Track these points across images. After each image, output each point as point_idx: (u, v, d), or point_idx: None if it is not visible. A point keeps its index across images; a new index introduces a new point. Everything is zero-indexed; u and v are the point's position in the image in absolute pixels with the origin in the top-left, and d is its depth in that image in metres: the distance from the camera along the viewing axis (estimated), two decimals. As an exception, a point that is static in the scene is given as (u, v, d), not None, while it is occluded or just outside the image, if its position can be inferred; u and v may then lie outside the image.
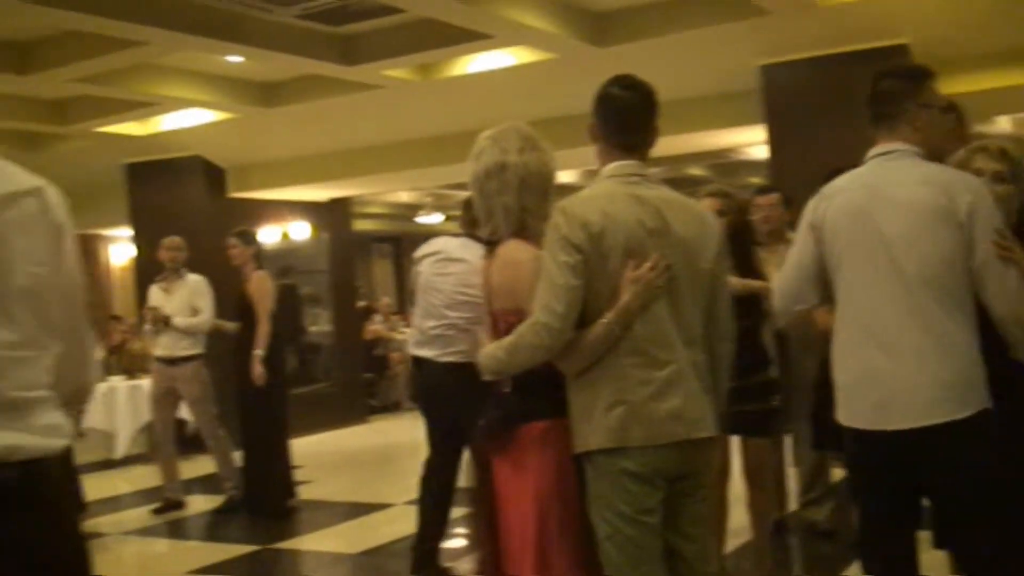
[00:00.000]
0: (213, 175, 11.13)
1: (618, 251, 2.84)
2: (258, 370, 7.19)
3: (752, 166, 12.52)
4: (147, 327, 7.80)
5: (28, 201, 1.97)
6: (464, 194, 4.63)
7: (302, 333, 12.95)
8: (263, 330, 7.26)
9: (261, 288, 7.37)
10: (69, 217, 2.08)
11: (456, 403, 5.14)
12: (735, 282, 3.97)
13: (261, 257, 7.59)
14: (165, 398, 7.75)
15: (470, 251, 5.07)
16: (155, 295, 7.77)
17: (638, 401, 2.84)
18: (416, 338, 5.44)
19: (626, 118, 2.99)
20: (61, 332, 2.04)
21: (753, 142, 9.57)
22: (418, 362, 5.41)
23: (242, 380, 7.31)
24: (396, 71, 8.15)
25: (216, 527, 7.44)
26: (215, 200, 11.09)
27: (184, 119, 9.71)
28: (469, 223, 5.23)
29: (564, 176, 11.70)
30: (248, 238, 7.55)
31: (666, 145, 9.37)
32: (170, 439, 7.91)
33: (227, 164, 11.18)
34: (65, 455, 2.05)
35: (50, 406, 2.02)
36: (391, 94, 8.61)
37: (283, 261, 12.13)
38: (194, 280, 7.75)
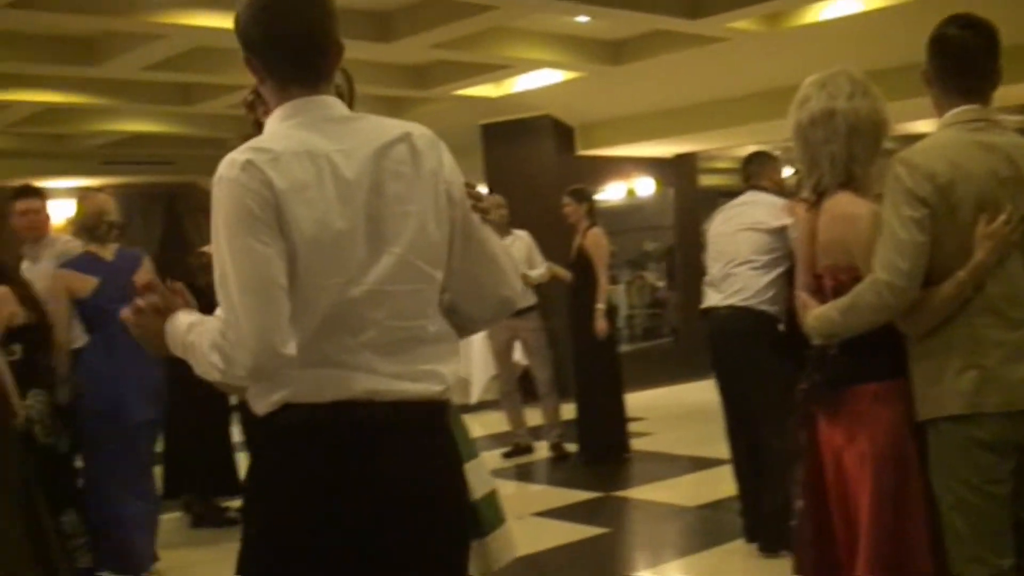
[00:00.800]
0: (562, 133, 11.42)
1: (969, 203, 2.68)
2: (600, 324, 7.42)
3: None
4: None
5: (399, 148, 2.09)
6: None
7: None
8: (602, 285, 7.49)
9: (597, 244, 7.58)
10: (441, 155, 2.15)
11: (740, 354, 5.01)
12: None
13: (595, 214, 7.78)
14: (508, 348, 8.12)
15: (751, 195, 5.24)
16: None
17: (992, 365, 2.69)
18: (705, 292, 5.34)
19: (966, 60, 2.79)
20: (447, 261, 2.14)
21: None
22: (704, 315, 5.29)
23: (578, 333, 7.56)
24: (742, 23, 8.00)
25: (559, 473, 7.73)
26: (564, 158, 11.37)
27: (535, 80, 10.02)
28: (749, 177, 5.32)
29: (924, 126, 11.05)
30: (580, 195, 7.75)
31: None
32: (515, 387, 8.28)
33: (575, 122, 11.43)
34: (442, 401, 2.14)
35: (439, 345, 2.13)
36: (736, 47, 8.47)
37: (628, 217, 12.30)
38: (523, 235, 8.04)
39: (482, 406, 10.33)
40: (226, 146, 2.16)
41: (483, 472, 2.63)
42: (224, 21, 7.15)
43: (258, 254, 1.96)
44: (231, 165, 2.00)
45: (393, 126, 2.13)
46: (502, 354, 8.14)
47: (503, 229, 8.02)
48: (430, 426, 2.12)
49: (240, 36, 2.10)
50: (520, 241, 7.98)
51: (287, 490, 2.04)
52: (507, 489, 7.45)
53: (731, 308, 5.06)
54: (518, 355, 8.28)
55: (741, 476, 5.29)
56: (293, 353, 1.98)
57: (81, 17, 7.12)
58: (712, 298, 5.21)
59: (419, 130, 2.15)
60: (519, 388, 8.32)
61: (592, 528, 6.05)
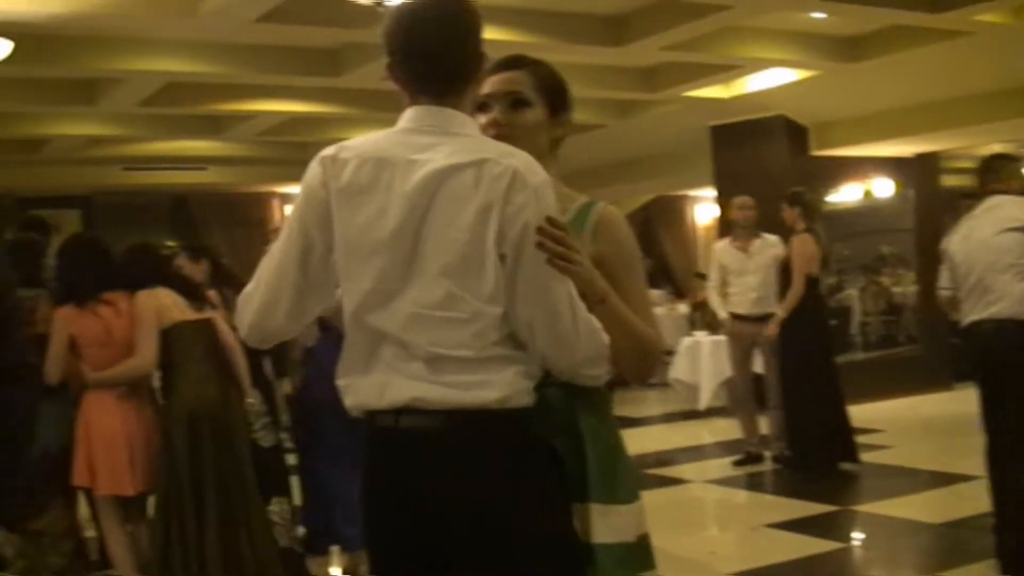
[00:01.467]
0: (795, 134, 11.10)
1: None
2: (772, 330, 7.48)
3: None
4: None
5: (467, 173, 2.02)
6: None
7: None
8: (794, 292, 7.43)
9: (797, 249, 7.48)
10: (511, 190, 2.01)
11: (1012, 369, 4.69)
12: None
13: (812, 217, 7.63)
14: (748, 355, 8.01)
15: (994, 199, 4.95)
16: (728, 254, 7.98)
17: None
18: (956, 307, 5.06)
19: None
20: (499, 299, 2.03)
21: None
22: (966, 332, 4.96)
23: (786, 342, 7.52)
24: (989, 15, 7.59)
25: (793, 484, 7.49)
26: (796, 159, 11.05)
27: (767, 79, 9.80)
28: (986, 182, 5.05)
29: None
30: (793, 199, 7.66)
31: None
32: (751, 395, 8.12)
33: (809, 122, 11.10)
34: (512, 410, 2.04)
35: (498, 365, 2.05)
36: (982, 40, 8.04)
37: (864, 220, 11.86)
38: (774, 240, 7.94)
39: (710, 412, 10.21)
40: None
41: (622, 521, 2.20)
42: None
43: (291, 241, 2.13)
44: (316, 157, 2.15)
45: (478, 150, 2.06)
46: (742, 361, 8.03)
47: (750, 232, 7.94)
48: (490, 436, 2.06)
49: (384, 45, 2.16)
50: (769, 248, 7.87)
51: (367, 492, 2.18)
52: (738, 498, 7.35)
53: (997, 321, 4.75)
54: (758, 363, 8.14)
55: (1000, 493, 4.94)
56: (285, 330, 2.20)
57: (324, 30, 7.45)
58: (973, 312, 4.89)
59: (503, 160, 2.04)
60: (755, 395, 8.16)
61: (827, 542, 5.86)
